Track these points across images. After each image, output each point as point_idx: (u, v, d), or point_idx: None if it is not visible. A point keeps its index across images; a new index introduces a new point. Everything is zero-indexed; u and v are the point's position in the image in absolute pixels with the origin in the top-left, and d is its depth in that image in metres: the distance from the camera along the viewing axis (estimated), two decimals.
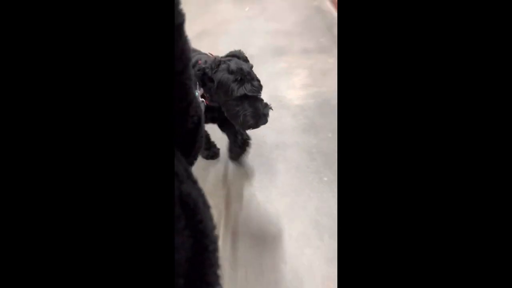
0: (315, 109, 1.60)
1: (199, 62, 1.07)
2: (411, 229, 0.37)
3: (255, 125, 1.03)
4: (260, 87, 1.02)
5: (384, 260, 0.38)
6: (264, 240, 1.12)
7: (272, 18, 2.47)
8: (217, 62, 1.01)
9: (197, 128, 0.46)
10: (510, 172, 0.34)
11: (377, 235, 0.38)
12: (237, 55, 1.07)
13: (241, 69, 0.99)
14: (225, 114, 1.07)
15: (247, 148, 1.31)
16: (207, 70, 1.01)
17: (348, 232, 0.39)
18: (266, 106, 1.04)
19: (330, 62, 1.91)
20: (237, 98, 0.99)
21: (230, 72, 0.98)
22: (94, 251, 0.32)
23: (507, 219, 0.34)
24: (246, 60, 1.08)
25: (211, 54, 1.16)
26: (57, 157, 0.32)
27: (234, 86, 0.97)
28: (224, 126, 1.29)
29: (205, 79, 1.02)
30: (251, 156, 1.39)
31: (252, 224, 1.19)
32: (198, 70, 1.03)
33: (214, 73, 1.00)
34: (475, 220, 0.35)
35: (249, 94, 0.98)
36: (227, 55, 1.07)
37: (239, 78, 0.98)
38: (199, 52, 1.20)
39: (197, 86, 1.07)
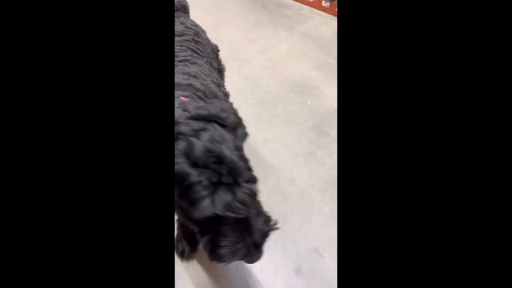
0: None
1: None
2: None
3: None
4: (251, 196, 0.52)
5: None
6: None
7: None
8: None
9: None
10: (510, 172, 0.33)
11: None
12: (217, 117, 0.54)
13: (220, 156, 0.49)
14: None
15: None
16: None
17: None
18: (267, 227, 0.55)
19: None
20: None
21: (193, 162, 0.48)
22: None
23: (507, 219, 0.33)
24: (236, 125, 0.56)
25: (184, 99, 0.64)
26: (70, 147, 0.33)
27: (199, 192, 0.48)
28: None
29: None
30: None
31: None
32: None
33: None
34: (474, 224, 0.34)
35: (222, 214, 0.49)
36: (198, 116, 0.53)
37: (209, 178, 0.48)
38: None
39: None
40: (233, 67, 1.65)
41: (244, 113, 1.37)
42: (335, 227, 1.02)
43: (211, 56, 0.95)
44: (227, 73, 1.52)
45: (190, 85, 0.70)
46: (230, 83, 1.55)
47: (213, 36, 1.90)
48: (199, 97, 0.68)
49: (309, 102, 1.48)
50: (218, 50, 1.13)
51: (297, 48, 1.86)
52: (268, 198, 1.09)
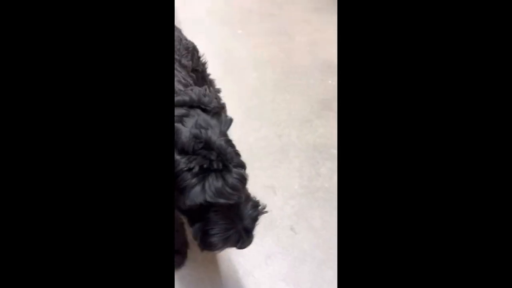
0: None
1: None
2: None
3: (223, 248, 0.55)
4: (241, 181, 0.52)
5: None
6: None
7: None
8: None
9: None
10: (510, 172, 0.33)
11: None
12: (200, 102, 0.54)
13: (208, 142, 0.49)
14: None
15: None
16: None
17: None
18: (256, 211, 0.57)
19: None
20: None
21: (180, 148, 0.49)
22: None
23: (507, 219, 0.32)
24: (217, 111, 0.55)
25: None
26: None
27: (189, 180, 0.48)
28: None
29: None
30: None
31: None
32: None
33: None
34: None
35: (213, 201, 0.49)
36: (179, 102, 0.54)
37: (199, 164, 0.48)
38: None
39: None
40: (277, 40, 1.84)
41: (267, 77, 1.58)
42: (297, 178, 1.17)
43: (182, 54, 0.87)
44: (268, 43, 1.71)
45: None
46: (266, 52, 1.76)
47: (275, 12, 2.11)
48: None
49: (330, 81, 1.59)
50: (195, 49, 1.01)
51: None
52: (255, 142, 1.29)
